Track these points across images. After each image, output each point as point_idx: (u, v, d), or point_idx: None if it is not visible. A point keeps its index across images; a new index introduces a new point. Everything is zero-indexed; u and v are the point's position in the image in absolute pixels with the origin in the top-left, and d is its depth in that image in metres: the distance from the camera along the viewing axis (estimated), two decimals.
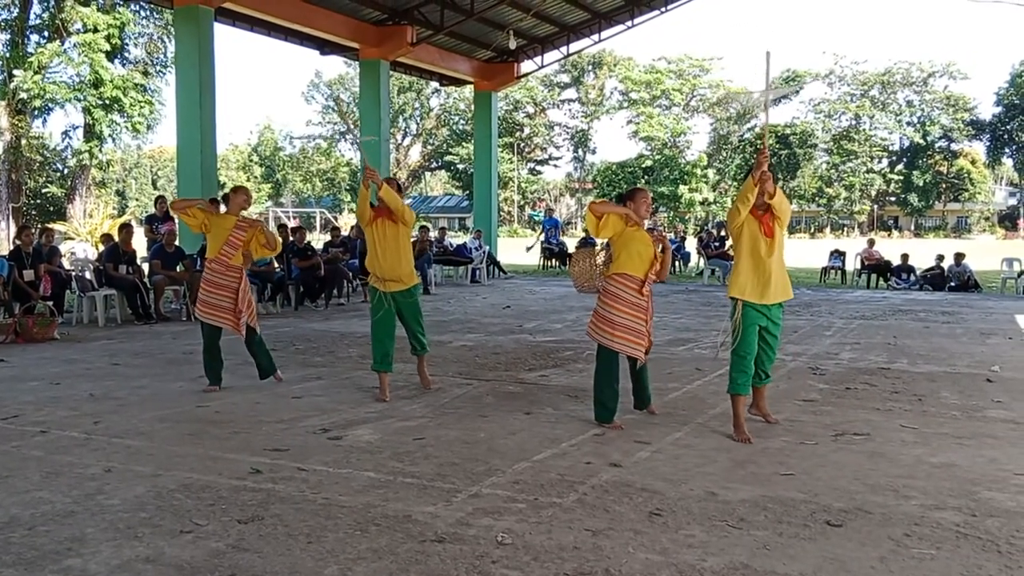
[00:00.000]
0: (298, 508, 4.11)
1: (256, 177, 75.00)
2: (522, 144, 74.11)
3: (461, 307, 13.85)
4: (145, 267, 12.61)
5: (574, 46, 24.23)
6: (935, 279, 18.26)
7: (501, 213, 59.90)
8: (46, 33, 29.03)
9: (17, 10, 28.64)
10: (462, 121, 69.55)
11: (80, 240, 24.93)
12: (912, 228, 72.09)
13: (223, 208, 7.29)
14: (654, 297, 6.03)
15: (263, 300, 12.99)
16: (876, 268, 19.38)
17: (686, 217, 67.92)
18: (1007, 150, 69.96)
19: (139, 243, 13.32)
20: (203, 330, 7.06)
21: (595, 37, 23.43)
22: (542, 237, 24.72)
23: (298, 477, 4.61)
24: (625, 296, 5.74)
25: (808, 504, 4.22)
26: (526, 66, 24.54)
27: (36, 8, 29.22)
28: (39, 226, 16.77)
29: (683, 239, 26.16)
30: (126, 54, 30.39)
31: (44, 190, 33.99)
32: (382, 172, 19.29)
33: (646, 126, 69.09)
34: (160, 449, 5.18)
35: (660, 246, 5.88)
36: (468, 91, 42.07)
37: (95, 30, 27.29)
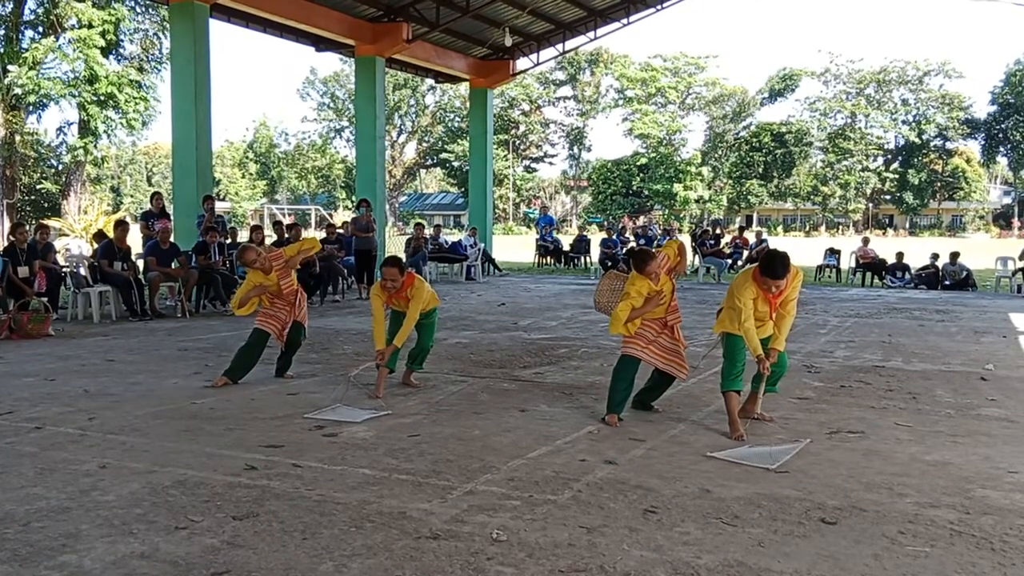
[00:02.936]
0: (293, 504, 4.11)
1: (251, 174, 74.92)
2: (517, 142, 74.09)
3: (456, 304, 13.84)
4: (140, 263, 12.59)
5: (570, 43, 24.20)
6: (929, 278, 18.30)
7: (496, 211, 59.88)
8: (40, 28, 28.94)
9: (11, 5, 28.55)
10: (457, 118, 69.49)
11: (75, 236, 24.90)
12: (907, 226, 72.24)
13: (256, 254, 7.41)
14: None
15: None
16: (871, 266, 19.42)
17: (681, 215, 68.00)
18: (1002, 149, 70.10)
19: (135, 240, 13.30)
20: (254, 334, 7.33)
21: (591, 35, 23.40)
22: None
23: (293, 474, 4.61)
24: (649, 336, 5.93)
25: (803, 502, 4.22)
26: (522, 63, 24.51)
27: (31, 3, 29.15)
28: (35, 223, 16.73)
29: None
30: (121, 50, 30.29)
31: (39, 186, 33.89)
32: (377, 169, 19.30)
33: (641, 124, 69.13)
34: (155, 445, 5.17)
35: (676, 247, 6.09)
36: (464, 88, 41.99)
37: (90, 26, 27.20)
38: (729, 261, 20.84)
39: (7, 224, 25.50)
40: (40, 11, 28.94)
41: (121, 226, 12.40)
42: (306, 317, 7.56)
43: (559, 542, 3.67)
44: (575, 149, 77.93)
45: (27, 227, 12.12)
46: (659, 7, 21.81)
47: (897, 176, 71.22)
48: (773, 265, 5.37)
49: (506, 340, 9.88)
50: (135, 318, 11.57)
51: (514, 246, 33.19)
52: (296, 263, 7.54)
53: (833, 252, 21.08)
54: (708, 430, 5.67)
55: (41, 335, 9.95)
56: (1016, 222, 68.12)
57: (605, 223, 50.96)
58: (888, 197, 73.35)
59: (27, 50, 27.82)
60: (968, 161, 71.37)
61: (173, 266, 12.35)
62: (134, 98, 28.99)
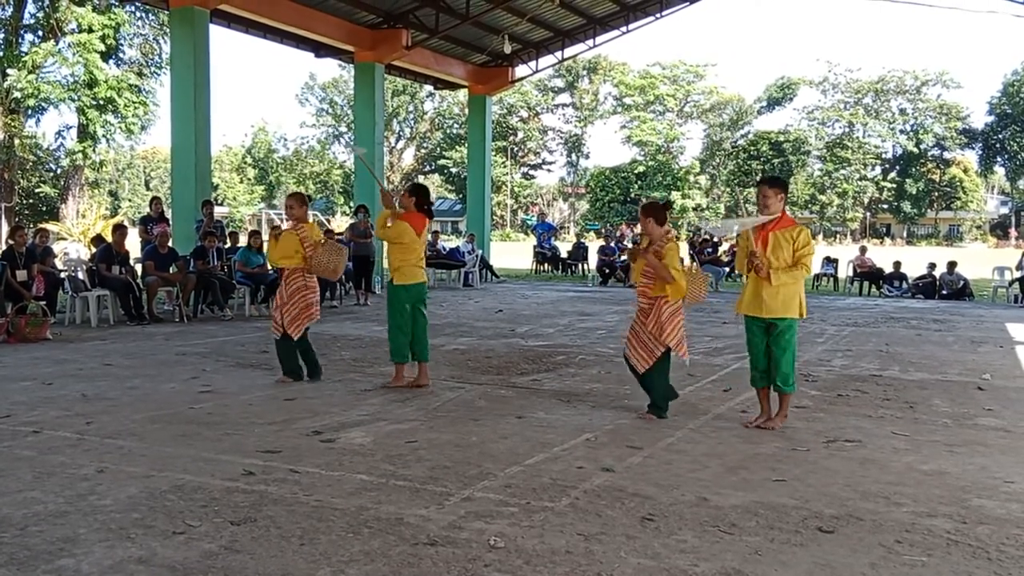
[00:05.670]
0: (291, 510, 4.11)
1: (249, 179, 74.81)
2: (516, 148, 74.14)
3: (454, 311, 13.85)
4: (138, 268, 12.59)
5: (569, 51, 24.25)
6: (927, 287, 18.33)
7: (494, 217, 59.85)
8: (40, 32, 28.99)
9: (11, 9, 28.59)
10: (456, 125, 69.54)
11: (73, 240, 24.88)
12: (904, 236, 72.30)
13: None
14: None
15: (256, 302, 13.01)
16: (868, 275, 19.46)
17: (678, 223, 68.00)
18: (999, 159, 70.30)
19: (133, 244, 13.30)
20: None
21: (590, 42, 23.46)
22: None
23: (291, 479, 4.61)
24: (636, 326, 6.35)
25: (800, 510, 4.23)
26: (521, 70, 24.56)
27: (31, 7, 29.21)
28: (33, 226, 16.72)
29: None
30: (121, 55, 30.34)
31: (37, 190, 33.91)
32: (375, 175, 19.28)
33: (639, 131, 69.22)
34: (152, 450, 5.17)
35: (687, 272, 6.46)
36: (462, 95, 42.02)
37: (90, 30, 27.24)
38: (727, 269, 20.85)
39: (5, 228, 25.49)
40: (40, 15, 29.00)
41: (119, 230, 12.41)
42: (297, 331, 7.44)
43: (556, 549, 3.67)
44: (573, 156, 78.01)
45: (26, 231, 12.11)
46: (658, 15, 21.87)
47: (895, 185, 71.37)
48: (763, 177, 5.89)
49: (503, 347, 9.89)
50: (133, 322, 11.56)
51: (512, 253, 33.20)
52: (309, 250, 7.66)
53: (831, 261, 21.12)
54: (705, 438, 5.67)
55: (39, 339, 9.93)
56: (1013, 232, 68.25)
57: (603, 230, 50.97)
58: (885, 206, 73.49)
59: (27, 54, 27.86)
60: (965, 171, 71.48)
61: (171, 271, 12.35)
62: (133, 102, 29.03)
